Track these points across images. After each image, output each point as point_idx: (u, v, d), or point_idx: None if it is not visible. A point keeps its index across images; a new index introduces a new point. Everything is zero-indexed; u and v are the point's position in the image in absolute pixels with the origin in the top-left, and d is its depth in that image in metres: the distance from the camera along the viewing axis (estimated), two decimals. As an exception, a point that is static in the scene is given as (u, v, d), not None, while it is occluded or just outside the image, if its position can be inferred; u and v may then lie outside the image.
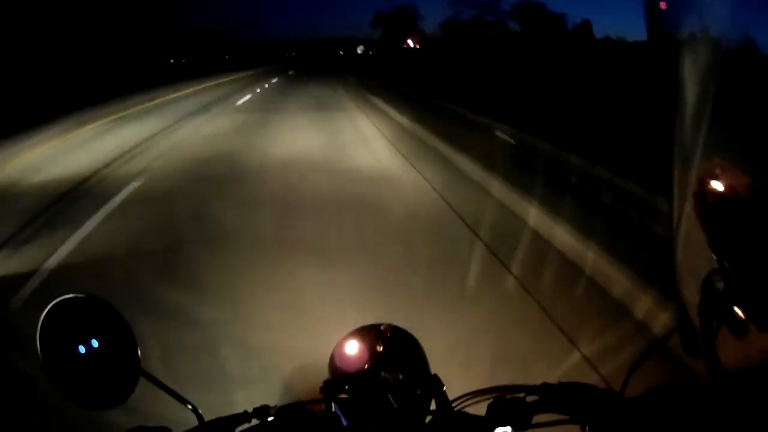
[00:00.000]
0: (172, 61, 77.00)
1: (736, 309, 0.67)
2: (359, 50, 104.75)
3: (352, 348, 1.06)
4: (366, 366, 1.04)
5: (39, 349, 0.82)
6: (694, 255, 0.77)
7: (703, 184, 0.71)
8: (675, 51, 0.75)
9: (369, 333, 1.15)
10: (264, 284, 4.06)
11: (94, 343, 0.83)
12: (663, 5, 0.77)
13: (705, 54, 0.72)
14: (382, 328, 1.19)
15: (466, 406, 0.87)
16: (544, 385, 0.84)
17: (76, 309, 0.85)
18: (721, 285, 0.70)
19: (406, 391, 0.91)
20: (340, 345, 1.10)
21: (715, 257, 0.69)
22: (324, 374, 1.07)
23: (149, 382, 0.85)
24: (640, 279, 3.63)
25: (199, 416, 0.86)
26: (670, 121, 0.76)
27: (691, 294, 0.75)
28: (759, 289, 0.67)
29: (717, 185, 0.70)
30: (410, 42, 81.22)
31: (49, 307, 0.84)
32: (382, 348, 1.10)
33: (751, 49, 0.66)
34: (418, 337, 1.22)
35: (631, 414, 0.76)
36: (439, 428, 0.86)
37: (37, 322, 0.83)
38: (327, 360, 1.13)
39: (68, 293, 0.85)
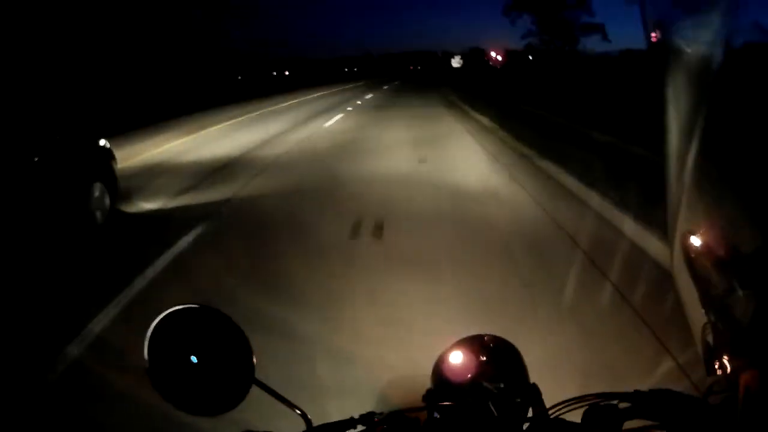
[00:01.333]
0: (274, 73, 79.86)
1: (725, 360, 0.73)
2: (455, 63, 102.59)
3: (456, 358, 1.08)
4: (469, 375, 1.05)
5: (147, 357, 0.86)
6: (690, 306, 0.83)
7: (688, 241, 0.75)
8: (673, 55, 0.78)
9: (472, 343, 1.16)
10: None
11: (207, 353, 0.87)
12: (654, 37, 0.81)
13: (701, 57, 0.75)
14: (485, 338, 1.20)
15: (562, 414, 0.90)
16: (636, 392, 0.87)
17: (190, 319, 0.90)
18: (711, 338, 0.76)
19: (505, 399, 0.93)
20: (444, 355, 1.12)
21: (703, 311, 0.73)
22: (426, 384, 1.10)
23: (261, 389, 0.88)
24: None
25: (308, 421, 0.90)
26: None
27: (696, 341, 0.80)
28: (744, 341, 0.71)
29: (701, 243, 0.73)
30: (493, 54, 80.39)
31: (159, 317, 0.88)
32: (484, 358, 1.12)
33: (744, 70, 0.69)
34: (518, 346, 1.23)
35: (714, 420, 0.79)
36: None
37: (149, 329, 0.87)
38: (428, 371, 1.15)
39: (181, 304, 0.89)
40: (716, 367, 0.79)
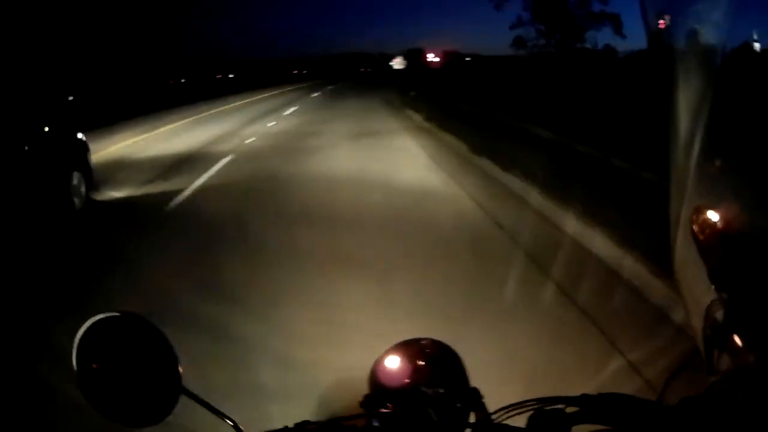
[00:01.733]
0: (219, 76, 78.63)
1: (736, 337, 0.71)
2: (397, 65, 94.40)
3: (393, 363, 1.06)
4: (407, 380, 1.03)
5: (75, 367, 0.83)
6: (694, 284, 0.80)
7: (698, 218, 0.74)
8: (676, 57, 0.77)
9: (409, 347, 1.14)
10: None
11: (133, 361, 0.84)
12: (662, 23, 0.80)
13: (700, 75, 0.75)
14: (422, 342, 1.18)
15: (505, 419, 0.87)
16: (584, 396, 0.84)
17: (115, 327, 0.86)
18: (720, 314, 0.74)
19: (446, 404, 0.92)
20: (380, 360, 1.09)
21: (713, 288, 0.71)
22: (364, 389, 1.06)
23: (190, 399, 0.84)
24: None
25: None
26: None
27: (696, 322, 0.79)
28: (756, 318, 0.70)
29: (713, 218, 0.72)
30: (431, 56, 77.07)
31: (85, 326, 0.85)
32: (422, 362, 1.10)
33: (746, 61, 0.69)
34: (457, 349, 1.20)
35: (669, 423, 0.77)
36: None
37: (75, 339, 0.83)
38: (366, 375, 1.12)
39: (105, 312, 0.85)
40: (720, 351, 0.75)
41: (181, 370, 0.85)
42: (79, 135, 7.34)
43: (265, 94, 36.70)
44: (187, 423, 1.15)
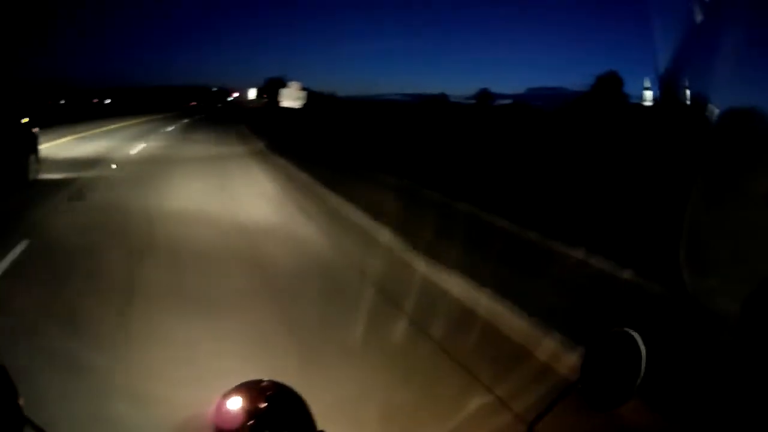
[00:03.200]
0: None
1: None
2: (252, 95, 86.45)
3: (235, 404, 1.03)
4: (249, 423, 1.00)
5: None
6: (729, 255, 0.84)
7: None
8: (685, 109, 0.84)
9: (251, 389, 1.11)
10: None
11: None
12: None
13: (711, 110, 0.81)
14: (263, 384, 1.15)
15: None
16: None
17: None
18: None
19: None
20: (221, 401, 1.06)
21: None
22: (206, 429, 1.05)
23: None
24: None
25: None
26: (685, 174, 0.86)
27: (732, 287, 0.82)
28: None
29: None
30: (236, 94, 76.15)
31: None
32: (264, 404, 1.07)
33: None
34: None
35: None
36: None
37: None
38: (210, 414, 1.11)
39: None
40: None
41: (21, 402, 0.82)
42: (35, 129, 11.11)
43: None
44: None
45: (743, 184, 0.91)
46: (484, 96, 50.51)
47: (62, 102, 58.55)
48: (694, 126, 0.89)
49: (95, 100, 77.08)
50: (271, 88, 72.49)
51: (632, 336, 0.91)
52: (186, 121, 42.03)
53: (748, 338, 0.83)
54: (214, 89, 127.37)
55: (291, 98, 63.34)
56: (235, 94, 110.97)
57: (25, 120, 10.86)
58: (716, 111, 0.88)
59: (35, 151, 11.03)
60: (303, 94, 65.09)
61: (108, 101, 79.61)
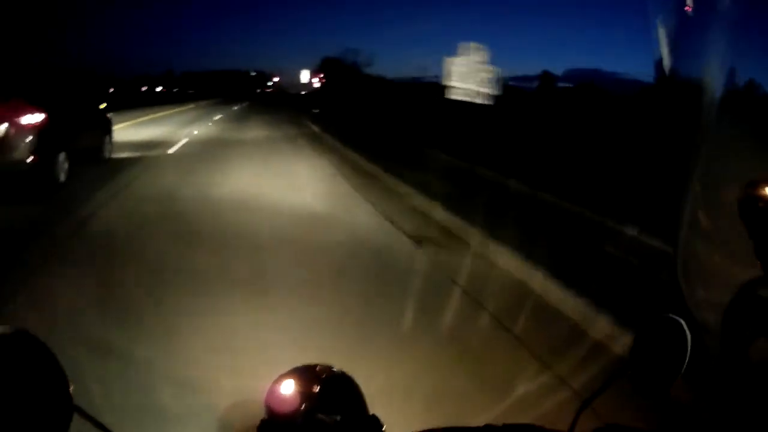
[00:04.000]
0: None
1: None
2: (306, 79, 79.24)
3: (288, 388, 1.03)
4: (302, 407, 1.01)
5: None
6: (711, 263, 0.80)
7: (750, 190, 0.72)
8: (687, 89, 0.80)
9: (305, 373, 1.12)
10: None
11: (22, 381, 0.79)
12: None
13: (715, 90, 0.78)
14: (317, 368, 1.16)
15: None
16: (487, 427, 0.85)
17: (8, 344, 0.81)
18: (764, 292, 0.74)
19: (345, 429, 0.92)
20: (274, 385, 1.06)
21: (761, 265, 0.71)
22: (260, 413, 1.06)
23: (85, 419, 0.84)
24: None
25: None
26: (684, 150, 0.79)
27: (710, 297, 0.79)
28: None
29: (765, 191, 0.71)
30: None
31: None
32: (318, 388, 1.08)
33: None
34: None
35: None
36: None
37: None
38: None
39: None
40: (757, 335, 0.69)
41: (71, 388, 0.81)
42: (108, 114, 12.88)
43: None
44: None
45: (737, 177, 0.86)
46: (547, 78, 45.27)
47: (111, 90, 61.94)
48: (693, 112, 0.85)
49: (144, 88, 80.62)
50: (328, 68, 64.99)
51: (678, 322, 0.93)
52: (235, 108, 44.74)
53: (729, 352, 0.81)
54: (253, 73, 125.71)
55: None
56: (275, 79, 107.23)
57: (102, 105, 12.63)
58: (717, 94, 0.82)
59: (110, 133, 12.80)
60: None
61: (159, 89, 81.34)
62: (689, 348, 0.90)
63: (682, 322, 0.93)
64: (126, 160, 12.71)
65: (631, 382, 0.93)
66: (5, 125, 8.42)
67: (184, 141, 17.45)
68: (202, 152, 14.94)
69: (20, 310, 4.21)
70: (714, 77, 0.79)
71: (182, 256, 5.84)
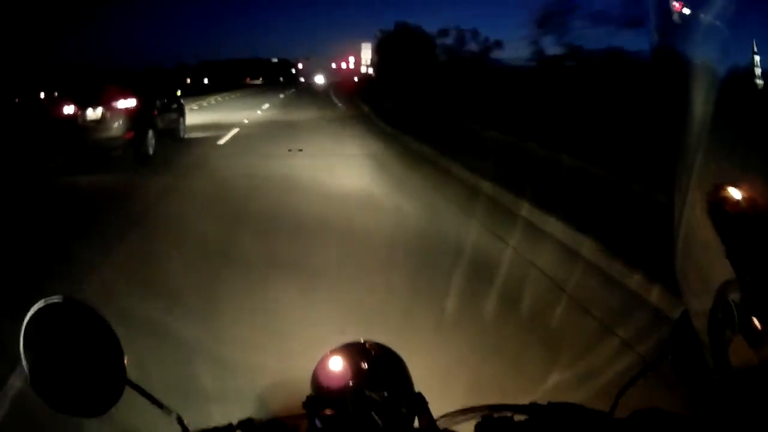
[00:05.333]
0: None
1: (755, 319, 0.68)
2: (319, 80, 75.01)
3: (336, 364, 1.02)
4: (350, 383, 1.00)
5: (23, 355, 0.82)
6: (704, 264, 0.77)
7: (718, 192, 0.71)
8: (680, 67, 0.76)
9: (353, 350, 1.12)
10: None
11: (79, 351, 0.83)
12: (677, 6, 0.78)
13: (710, 69, 0.73)
14: (366, 345, 1.17)
15: (452, 425, 0.89)
16: (533, 405, 0.85)
17: (61, 314, 0.85)
18: (737, 295, 0.70)
19: (390, 408, 0.93)
20: (323, 361, 1.07)
21: (731, 267, 0.69)
22: (306, 390, 1.07)
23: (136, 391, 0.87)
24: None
25: (184, 427, 0.89)
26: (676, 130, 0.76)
27: (700, 303, 0.76)
28: None
29: (734, 194, 0.70)
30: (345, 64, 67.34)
31: (31, 312, 0.84)
32: (366, 365, 1.08)
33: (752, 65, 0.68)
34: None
35: None
36: None
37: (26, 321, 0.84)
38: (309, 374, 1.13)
39: (53, 297, 0.85)
40: (732, 339, 0.71)
41: (126, 361, 0.85)
42: (182, 100, 14.95)
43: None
44: (131, 415, 1.14)
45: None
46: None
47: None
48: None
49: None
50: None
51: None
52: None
53: (714, 357, 0.75)
54: (274, 60, 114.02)
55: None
56: (300, 65, 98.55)
57: (178, 92, 14.72)
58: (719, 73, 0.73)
59: (184, 116, 14.93)
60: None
61: (206, 81, 78.80)
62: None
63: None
64: (196, 138, 14.87)
65: (672, 368, 0.91)
66: (103, 108, 10.58)
67: (238, 122, 19.54)
68: (256, 130, 16.97)
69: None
70: (713, 58, 0.74)
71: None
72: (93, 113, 10.60)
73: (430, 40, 36.53)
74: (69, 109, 10.60)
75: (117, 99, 10.82)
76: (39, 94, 11.72)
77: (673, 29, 0.80)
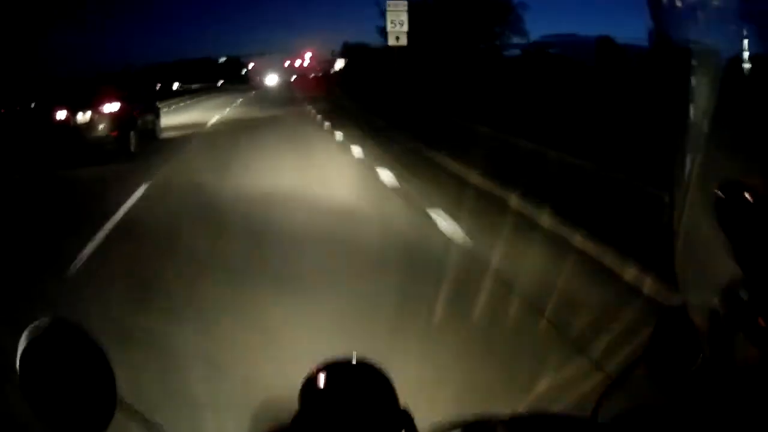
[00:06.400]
0: None
1: (759, 318, 0.68)
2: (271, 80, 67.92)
3: (322, 381, 1.03)
4: (336, 400, 1.00)
5: (18, 374, 0.82)
6: (707, 261, 0.77)
7: (723, 189, 0.70)
8: (681, 57, 0.75)
9: (338, 366, 1.09)
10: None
11: (71, 372, 0.83)
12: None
13: (713, 58, 0.73)
14: (351, 361, 1.12)
15: None
16: (515, 415, 0.86)
17: (56, 336, 0.84)
18: (742, 293, 0.70)
19: (376, 425, 0.94)
20: (309, 378, 1.05)
21: (736, 265, 0.68)
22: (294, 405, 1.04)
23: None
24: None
25: None
26: (675, 124, 0.76)
27: (702, 300, 0.76)
28: None
29: (740, 190, 0.69)
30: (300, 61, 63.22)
31: (27, 332, 0.83)
32: (352, 382, 1.06)
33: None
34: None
35: None
36: None
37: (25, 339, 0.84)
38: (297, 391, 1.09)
39: (43, 318, 0.84)
40: (735, 339, 0.70)
41: (116, 382, 0.84)
42: (157, 104, 17.08)
43: None
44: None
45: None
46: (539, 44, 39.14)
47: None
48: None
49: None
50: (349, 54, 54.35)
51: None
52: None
53: (717, 355, 0.74)
54: (221, 60, 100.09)
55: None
56: (251, 65, 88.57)
57: (153, 98, 16.90)
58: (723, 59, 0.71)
59: (159, 118, 17.11)
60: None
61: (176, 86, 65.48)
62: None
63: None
64: (172, 137, 16.97)
65: (648, 371, 0.91)
66: (92, 112, 12.83)
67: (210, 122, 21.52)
68: (228, 127, 19.06)
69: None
70: (716, 49, 0.73)
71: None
72: (83, 117, 12.78)
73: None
74: (62, 114, 12.79)
75: (103, 104, 13.09)
76: (31, 104, 13.68)
77: (674, 17, 0.78)
